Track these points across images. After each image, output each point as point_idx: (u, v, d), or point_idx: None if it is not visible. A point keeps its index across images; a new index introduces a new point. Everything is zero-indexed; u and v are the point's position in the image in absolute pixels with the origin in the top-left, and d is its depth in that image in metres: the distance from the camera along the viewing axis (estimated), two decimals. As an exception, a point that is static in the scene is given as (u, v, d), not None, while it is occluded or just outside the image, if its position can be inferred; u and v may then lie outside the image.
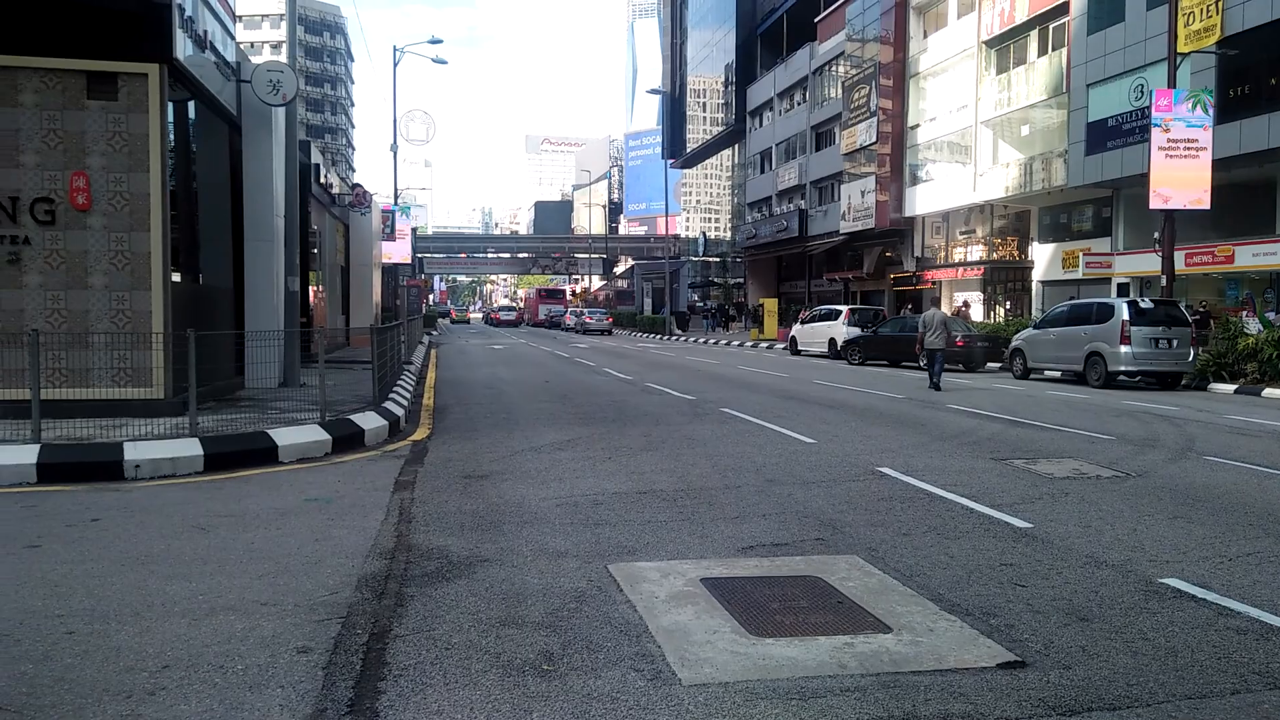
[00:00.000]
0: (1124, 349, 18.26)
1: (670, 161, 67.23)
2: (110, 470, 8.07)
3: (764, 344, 38.39)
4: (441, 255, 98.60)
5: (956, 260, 38.51)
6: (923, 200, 38.98)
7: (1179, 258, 23.39)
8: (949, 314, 25.52)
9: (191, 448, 8.55)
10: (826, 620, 4.58)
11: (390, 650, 4.19)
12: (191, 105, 13.71)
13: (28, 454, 8.01)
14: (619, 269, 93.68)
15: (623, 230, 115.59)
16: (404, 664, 4.03)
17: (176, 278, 11.84)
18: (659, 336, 49.10)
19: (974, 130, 35.39)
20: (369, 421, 10.47)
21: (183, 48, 11.40)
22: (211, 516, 6.73)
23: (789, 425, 11.77)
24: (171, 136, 11.58)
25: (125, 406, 10.26)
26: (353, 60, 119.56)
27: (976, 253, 37.74)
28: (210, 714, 3.54)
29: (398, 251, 42.82)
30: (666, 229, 70.27)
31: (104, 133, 10.83)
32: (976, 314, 35.35)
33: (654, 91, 69.57)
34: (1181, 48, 22.90)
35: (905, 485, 7.97)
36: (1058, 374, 20.90)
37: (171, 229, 11.35)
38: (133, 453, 8.25)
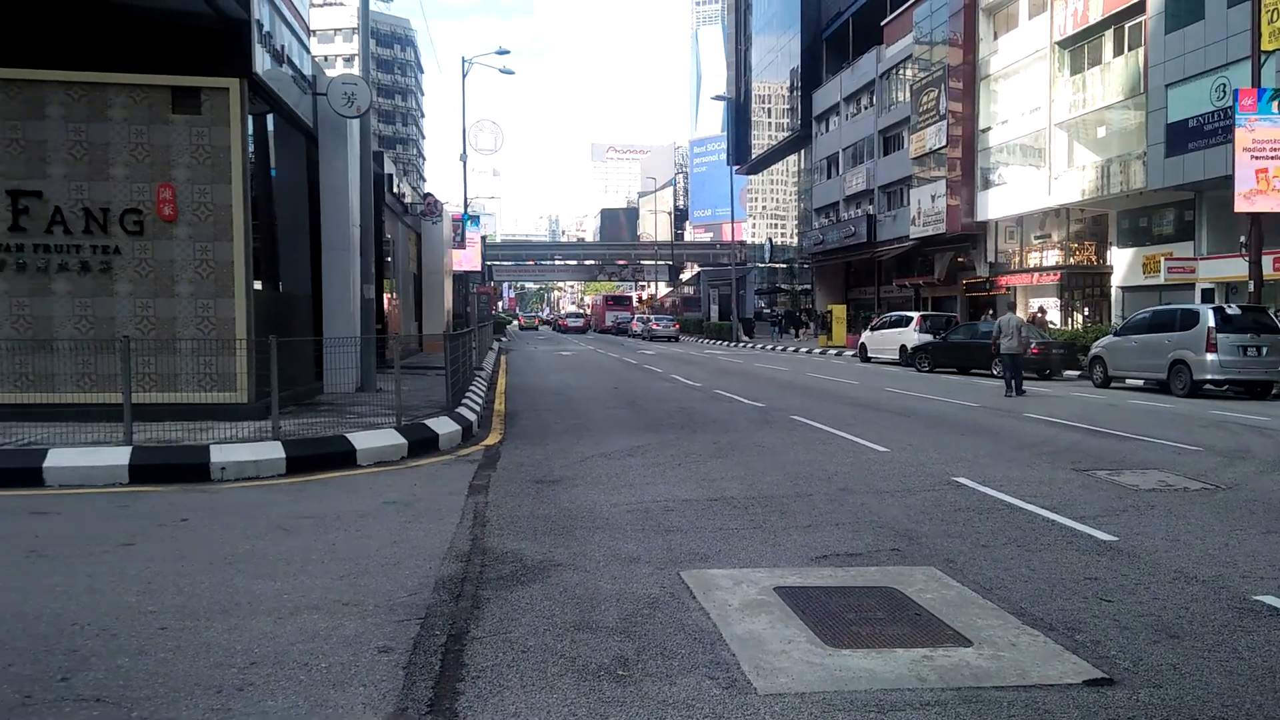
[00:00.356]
0: (1210, 357, 17.61)
1: (735, 168, 66.97)
2: (197, 472, 8.35)
3: (833, 351, 38.00)
4: (510, 263, 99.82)
5: (1032, 265, 37.62)
6: (995, 204, 38.16)
7: (1267, 262, 22.47)
8: (1025, 320, 24.92)
9: (274, 450, 8.81)
10: (904, 632, 4.51)
11: (468, 652, 4.25)
12: (270, 118, 14.12)
13: (121, 455, 8.35)
14: (685, 275, 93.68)
15: (688, 237, 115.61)
16: (481, 666, 4.09)
17: (258, 285, 12.19)
18: (726, 343, 48.94)
19: (1048, 133, 34.54)
20: (443, 426, 10.65)
21: (261, 62, 11.75)
22: (294, 518, 6.91)
23: (860, 433, 11.62)
24: (251, 148, 11.93)
25: (210, 410, 10.60)
26: (422, 72, 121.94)
27: (1053, 258, 36.81)
28: (296, 710, 3.63)
29: (468, 259, 43.51)
30: (732, 235, 70.08)
31: (188, 145, 11.21)
32: (1054, 320, 34.47)
33: (718, 98, 69.47)
34: (1266, 45, 22.03)
35: (982, 496, 7.80)
36: (1140, 382, 20.25)
37: (252, 238, 11.70)
38: (219, 455, 8.53)
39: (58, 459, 8.26)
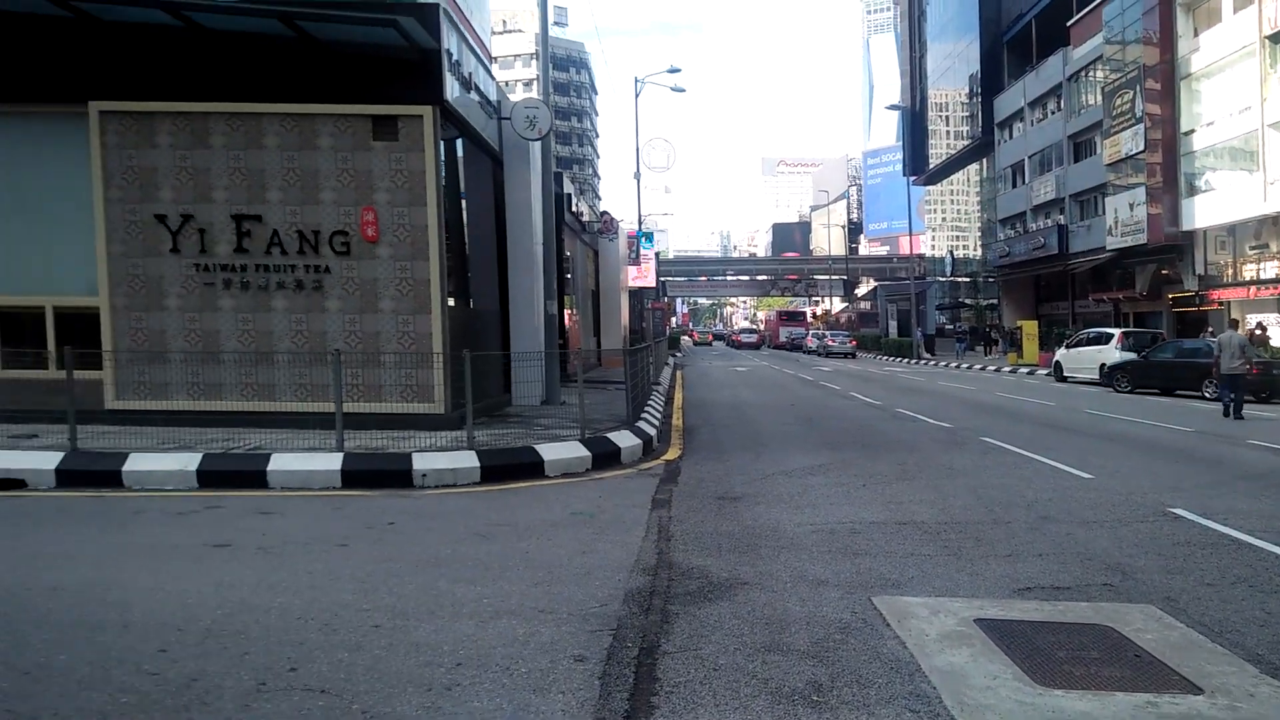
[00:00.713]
0: None
1: (912, 178, 64.95)
2: (401, 478, 8.86)
3: (1024, 369, 36.08)
4: (682, 278, 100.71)
5: (1247, 278, 34.40)
6: (1202, 212, 35.18)
7: None
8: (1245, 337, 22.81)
9: (469, 460, 9.22)
10: (1123, 675, 4.19)
11: (660, 666, 4.28)
12: (459, 142, 14.85)
13: (334, 462, 8.98)
14: (860, 290, 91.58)
15: (863, 251, 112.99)
16: (675, 681, 4.10)
17: (451, 302, 12.82)
18: (906, 360, 47.43)
19: (1260, 134, 31.54)
20: (625, 440, 10.83)
21: (451, 89, 12.37)
22: (490, 525, 7.20)
23: (1060, 457, 10.95)
24: (443, 171, 12.58)
25: (410, 420, 11.23)
26: (596, 93, 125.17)
27: (1272, 269, 33.54)
28: (500, 713, 3.76)
29: (642, 275, 44.21)
30: (910, 248, 67.90)
31: (388, 170, 11.94)
32: (1277, 339, 31.37)
33: (893, 107, 67.59)
34: None
35: (1204, 529, 7.17)
36: (1383, 407, 18.11)
37: (446, 257, 12.32)
38: (420, 463, 9.02)
39: (279, 463, 8.97)
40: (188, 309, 11.70)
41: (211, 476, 8.90)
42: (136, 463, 9.05)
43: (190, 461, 9.03)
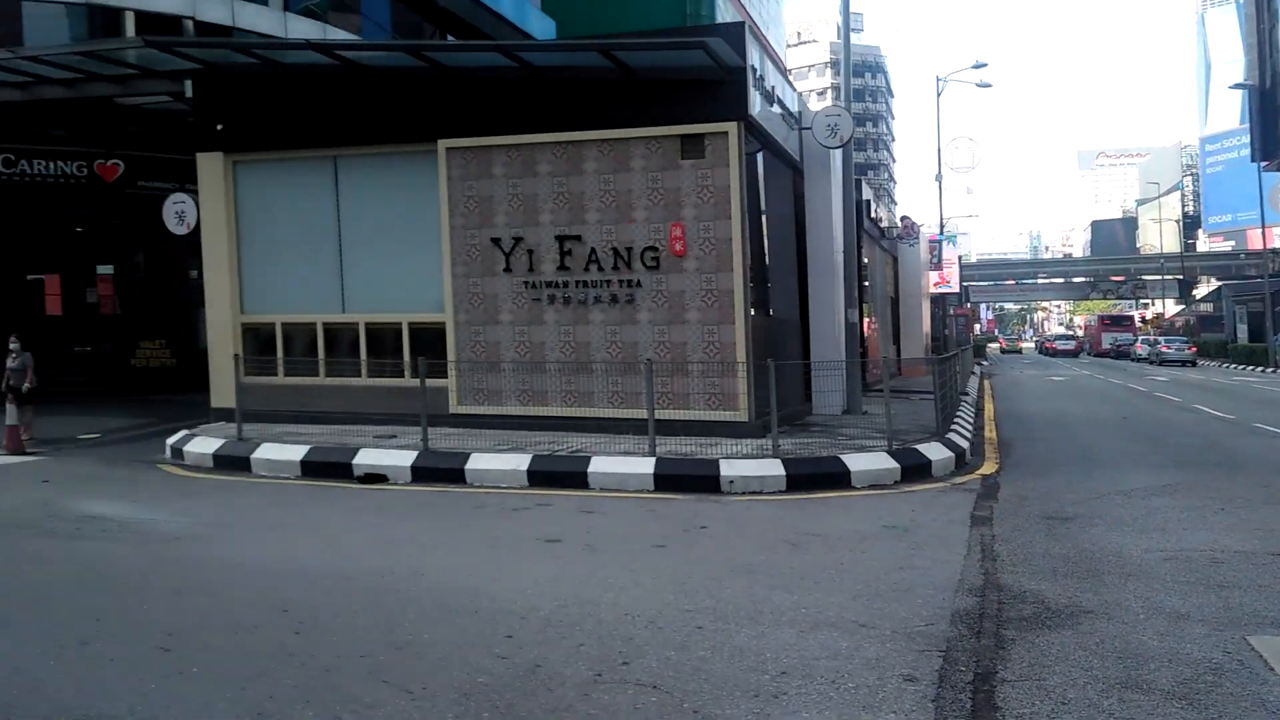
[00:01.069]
0: None
1: (1262, 164, 56.72)
2: (709, 484, 9.08)
3: None
4: (987, 283, 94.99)
5: None
6: None
7: None
8: None
9: (775, 468, 9.26)
10: None
11: (999, 694, 4.02)
12: (760, 155, 14.96)
13: (647, 465, 9.39)
14: (1198, 291, 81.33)
15: (1201, 247, 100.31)
16: (1018, 711, 3.83)
17: (752, 312, 12.95)
18: (1260, 369, 41.49)
19: None
20: (935, 452, 10.37)
21: (754, 104, 12.49)
22: (799, 534, 7.17)
23: None
24: (745, 184, 12.73)
25: (715, 427, 11.47)
26: (892, 96, 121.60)
27: None
28: (830, 726, 3.70)
29: (944, 281, 42.23)
30: (1263, 242, 59.29)
31: (694, 187, 12.28)
32: None
33: (1237, 86, 59.49)
34: None
35: None
36: None
37: (748, 268, 12.46)
38: (727, 470, 9.19)
39: (598, 466, 9.53)
40: (518, 323, 12.74)
41: (539, 476, 9.62)
42: (476, 462, 9.99)
43: (521, 462, 9.82)
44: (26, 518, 8.30)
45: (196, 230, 13.98)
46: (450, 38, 22.78)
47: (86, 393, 18.20)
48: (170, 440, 12.07)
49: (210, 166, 13.75)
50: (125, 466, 11.46)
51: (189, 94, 14.31)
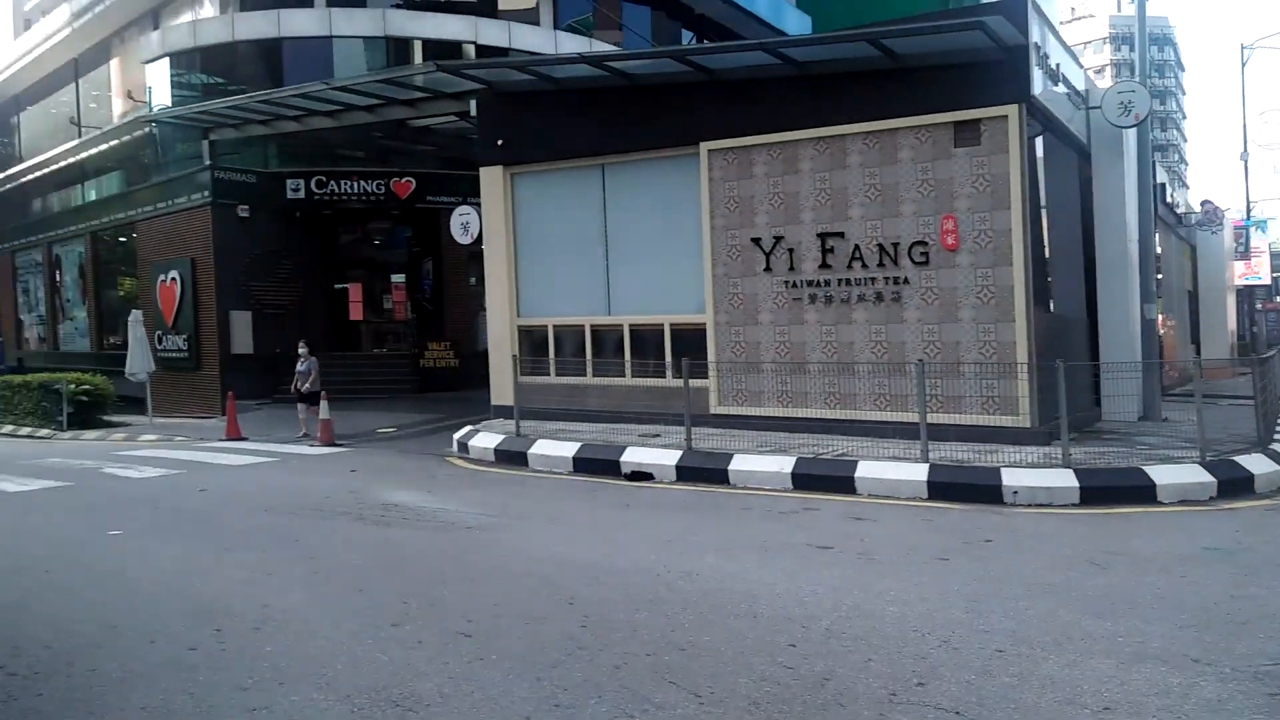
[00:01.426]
0: None
1: None
2: (989, 494, 8.48)
3: None
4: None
5: None
6: None
7: None
8: None
9: (1065, 479, 8.50)
10: None
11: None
12: (1040, 139, 13.85)
13: (920, 472, 8.93)
14: None
15: None
16: None
17: (1032, 309, 12.02)
18: None
19: None
20: (1258, 465, 9.09)
21: (1037, 84, 11.55)
22: (1101, 553, 6.49)
23: None
24: (1026, 171, 11.82)
25: (993, 433, 10.73)
26: (1182, 70, 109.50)
27: None
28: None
29: (1252, 270, 37.38)
30: None
31: (968, 176, 11.55)
32: None
33: None
34: None
35: None
36: None
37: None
38: (1010, 479, 8.55)
39: (866, 470, 9.19)
40: (778, 323, 12.59)
41: (803, 479, 9.42)
42: (740, 463, 9.96)
43: (785, 464, 9.67)
44: (341, 504, 9.21)
45: (476, 240, 15.04)
46: (706, 43, 23.04)
47: (383, 391, 20.10)
48: (457, 435, 13.05)
49: (492, 179, 14.73)
50: (418, 458, 12.50)
51: (473, 112, 15.41)
